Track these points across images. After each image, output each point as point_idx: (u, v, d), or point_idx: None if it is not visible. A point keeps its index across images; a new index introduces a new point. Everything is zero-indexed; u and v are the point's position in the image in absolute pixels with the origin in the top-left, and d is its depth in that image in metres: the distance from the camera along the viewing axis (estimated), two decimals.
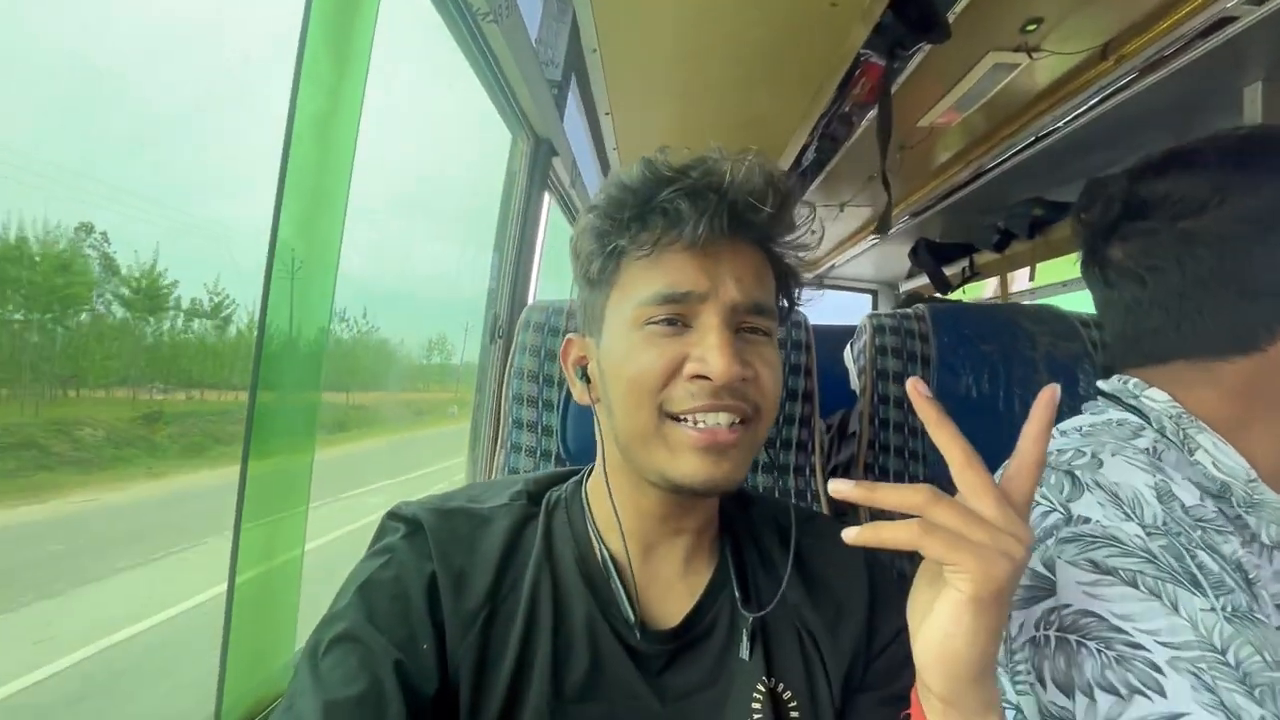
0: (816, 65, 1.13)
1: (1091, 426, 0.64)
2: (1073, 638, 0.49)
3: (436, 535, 0.57)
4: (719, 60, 1.15)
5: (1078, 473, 0.57)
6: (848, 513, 1.04)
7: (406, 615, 0.53)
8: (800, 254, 0.61)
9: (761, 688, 0.57)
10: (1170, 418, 0.60)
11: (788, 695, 0.58)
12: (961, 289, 2.40)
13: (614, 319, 0.58)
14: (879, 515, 0.96)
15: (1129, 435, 0.60)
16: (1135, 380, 0.63)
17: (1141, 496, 0.54)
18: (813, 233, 0.61)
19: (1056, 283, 2.33)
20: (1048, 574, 0.52)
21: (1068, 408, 0.97)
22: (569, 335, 0.65)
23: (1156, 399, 0.61)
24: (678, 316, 0.55)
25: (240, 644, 0.64)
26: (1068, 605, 0.50)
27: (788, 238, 0.59)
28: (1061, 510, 0.55)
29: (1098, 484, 0.55)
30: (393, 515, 0.60)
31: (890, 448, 0.99)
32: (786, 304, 0.65)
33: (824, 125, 1.74)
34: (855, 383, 1.08)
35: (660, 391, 0.54)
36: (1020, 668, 0.54)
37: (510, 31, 0.93)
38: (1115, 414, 0.64)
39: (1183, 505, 0.54)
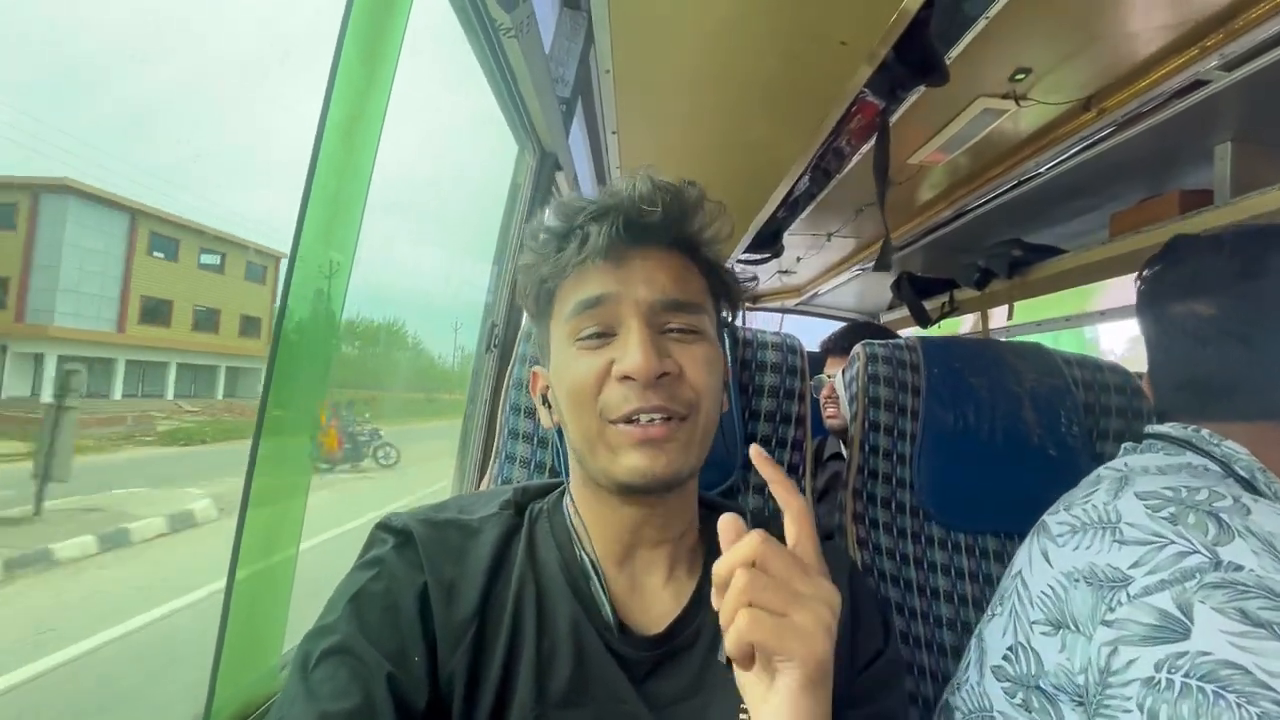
0: (820, 99, 1.17)
1: (1182, 464, 0.65)
2: (1210, 687, 0.47)
3: (427, 547, 0.58)
4: (726, 87, 1.18)
5: (1223, 516, 0.55)
6: (833, 534, 1.06)
7: (398, 627, 0.54)
8: (715, 248, 0.65)
9: None
10: (1260, 469, 0.61)
11: None
12: (939, 324, 2.47)
13: (555, 343, 0.62)
14: (864, 538, 0.99)
15: (1217, 481, 0.61)
16: (1209, 430, 0.65)
17: None
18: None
19: (1031, 322, 2.42)
20: (1181, 617, 0.51)
21: (1050, 441, 1.02)
22: (535, 369, 0.69)
23: (1239, 451, 0.63)
24: (603, 328, 0.58)
25: (234, 644, 0.63)
26: (1206, 654, 0.48)
27: (696, 235, 0.63)
28: (1206, 553, 0.53)
29: (1250, 531, 0.54)
30: (383, 526, 0.61)
31: (879, 473, 1.01)
32: (727, 303, 0.68)
33: (818, 158, 1.79)
34: (847, 409, 1.11)
35: (597, 398, 0.57)
36: (1113, 702, 0.52)
37: (528, 47, 0.94)
38: (1193, 458, 0.65)
39: None
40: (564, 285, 0.61)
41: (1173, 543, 0.55)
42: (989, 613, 0.73)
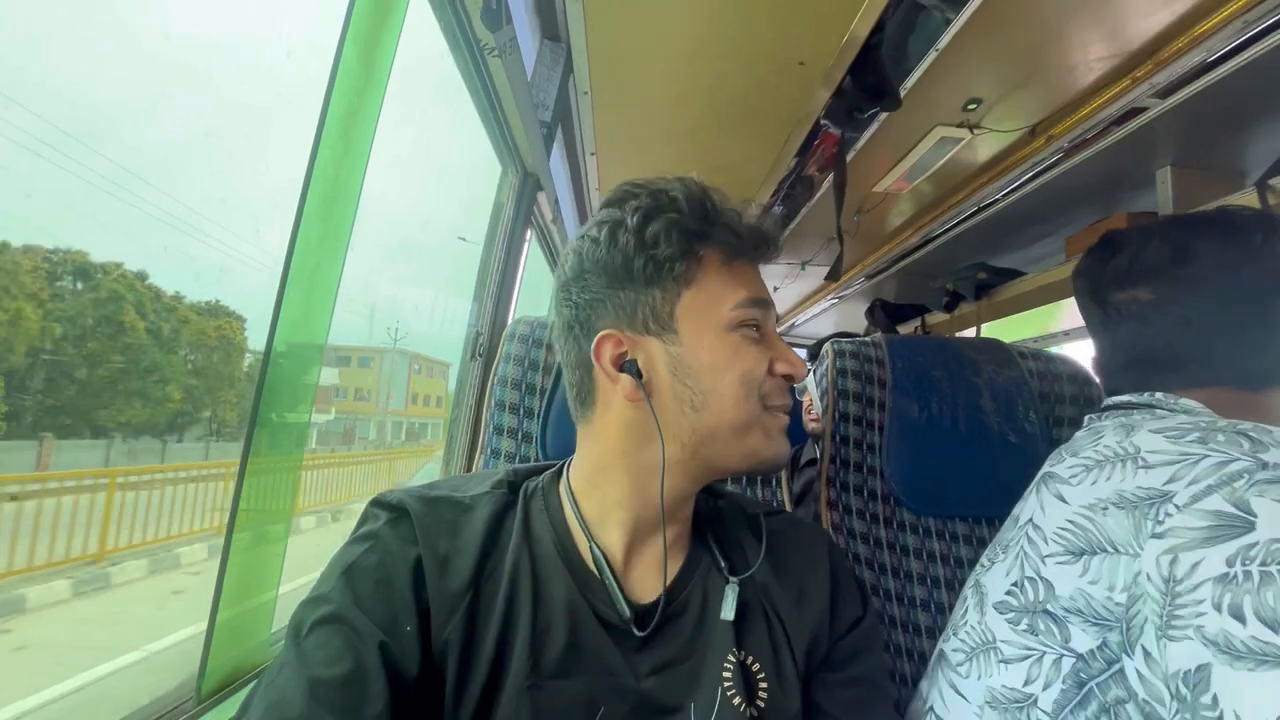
0: (783, 119, 1.26)
1: (1158, 416, 0.68)
2: None
3: (421, 521, 0.59)
4: (697, 108, 1.27)
5: (1250, 433, 0.57)
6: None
7: (390, 599, 0.54)
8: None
9: (732, 658, 0.60)
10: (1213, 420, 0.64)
11: (756, 667, 0.61)
12: None
13: (696, 320, 0.61)
14: (839, 524, 1.01)
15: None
16: (1162, 394, 0.70)
17: None
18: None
19: None
20: (1239, 513, 0.51)
21: (1010, 428, 1.07)
22: (602, 333, 0.62)
23: (1193, 406, 0.67)
24: (760, 324, 0.63)
25: (227, 612, 0.64)
26: (1277, 540, 0.49)
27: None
28: (1249, 458, 0.55)
29: (1276, 441, 0.56)
30: (377, 503, 0.62)
31: (850, 462, 1.05)
32: None
33: (788, 186, 1.88)
34: (818, 404, 1.15)
35: (761, 386, 0.62)
36: (1185, 610, 0.52)
37: (511, 68, 1.01)
38: (1163, 413, 0.68)
39: None
40: (720, 268, 0.63)
41: (1208, 455, 0.56)
42: (984, 563, 0.74)
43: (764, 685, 0.61)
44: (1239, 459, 0.54)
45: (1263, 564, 0.48)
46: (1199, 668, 0.49)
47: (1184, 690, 0.50)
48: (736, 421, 0.61)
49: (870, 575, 0.97)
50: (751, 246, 0.64)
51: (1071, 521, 0.62)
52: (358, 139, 0.79)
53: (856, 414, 1.07)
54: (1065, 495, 0.65)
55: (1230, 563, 0.50)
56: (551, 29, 1.20)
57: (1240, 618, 0.48)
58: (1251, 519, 0.50)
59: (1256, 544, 0.49)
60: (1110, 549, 0.58)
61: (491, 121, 1.17)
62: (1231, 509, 0.52)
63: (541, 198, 1.37)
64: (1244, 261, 0.67)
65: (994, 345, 1.17)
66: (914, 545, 1.00)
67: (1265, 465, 0.53)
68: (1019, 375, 1.10)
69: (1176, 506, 0.55)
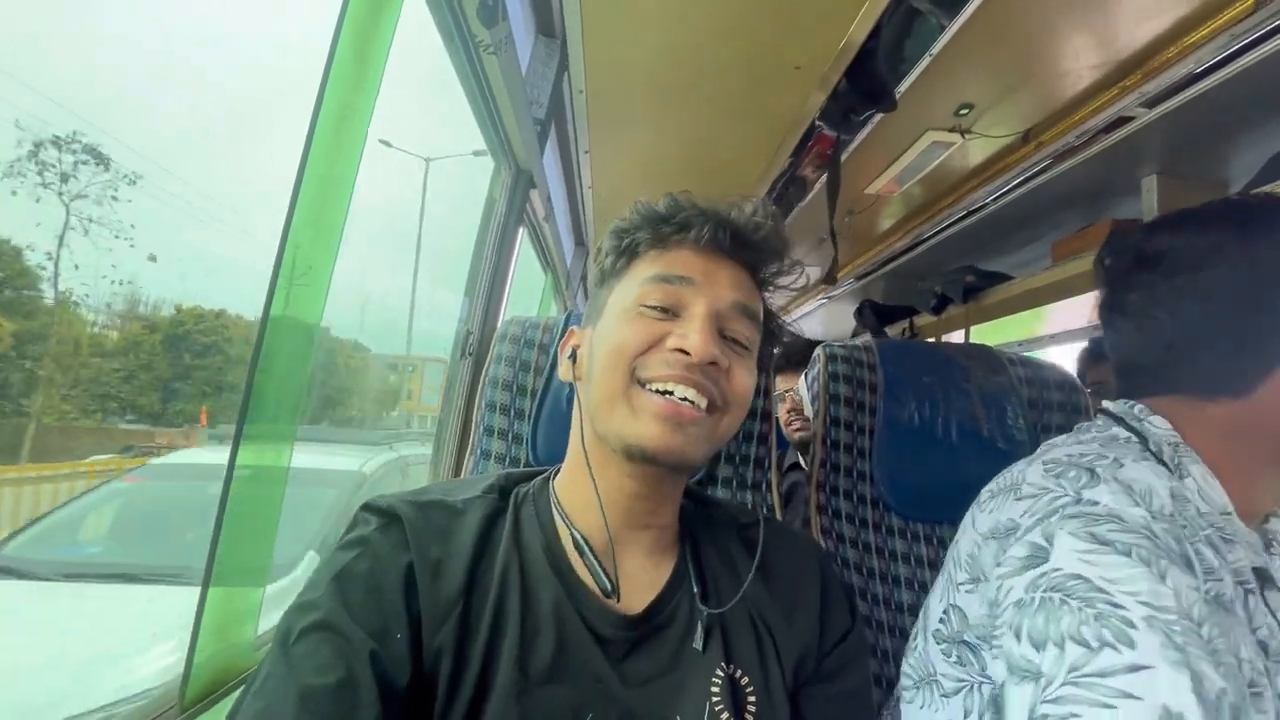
0: (778, 122, 1.25)
1: (1105, 437, 0.69)
2: (1056, 596, 0.52)
3: (413, 526, 0.58)
4: (693, 107, 1.26)
5: (1097, 469, 0.61)
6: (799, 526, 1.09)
7: (381, 607, 0.54)
8: (784, 286, 0.68)
9: (720, 673, 0.60)
10: (1169, 444, 0.65)
11: (745, 681, 0.61)
12: None
13: (613, 306, 0.64)
14: (828, 528, 1.02)
15: (1137, 453, 0.65)
16: (1141, 406, 0.69)
17: (1154, 490, 0.58)
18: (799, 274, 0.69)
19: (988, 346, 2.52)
20: (1045, 544, 0.56)
21: (999, 435, 1.08)
22: (572, 328, 0.71)
23: (1158, 425, 0.66)
24: (670, 305, 0.60)
25: (212, 617, 0.63)
26: (1058, 569, 0.53)
27: (776, 275, 0.67)
28: (1072, 494, 0.59)
29: (1115, 478, 0.59)
30: (367, 508, 0.61)
31: (840, 466, 1.05)
32: (765, 347, 0.70)
33: (781, 186, 1.89)
34: (809, 408, 1.15)
35: (635, 358, 0.59)
36: (998, 632, 0.56)
37: (505, 66, 1.00)
38: (1120, 431, 0.69)
39: (1198, 510, 0.60)
40: (650, 254, 0.64)
41: (1050, 491, 0.61)
42: (932, 586, 0.76)
43: (752, 700, 0.60)
44: (1064, 495, 0.59)
45: (1044, 590, 0.53)
46: (1001, 684, 0.54)
47: (999, 704, 0.55)
48: (602, 396, 0.60)
49: (859, 580, 0.98)
50: (684, 228, 0.62)
51: (972, 550, 0.66)
52: (351, 134, 0.78)
53: (848, 419, 1.07)
54: (976, 521, 0.69)
55: (1026, 589, 0.55)
56: (547, 25, 1.19)
57: (1018, 637, 0.53)
58: (1049, 549, 0.55)
59: (1044, 573, 0.54)
60: (984, 577, 0.62)
61: (484, 117, 1.15)
62: (1042, 541, 0.56)
63: (534, 195, 1.36)
64: (1199, 265, 0.65)
65: (984, 352, 1.18)
66: (902, 549, 1.01)
67: (1079, 500, 0.58)
68: (1008, 382, 1.12)
69: (1016, 539, 0.59)
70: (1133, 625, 0.47)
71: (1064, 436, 0.75)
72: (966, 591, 0.65)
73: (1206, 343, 0.64)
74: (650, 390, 0.58)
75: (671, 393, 0.57)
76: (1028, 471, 0.67)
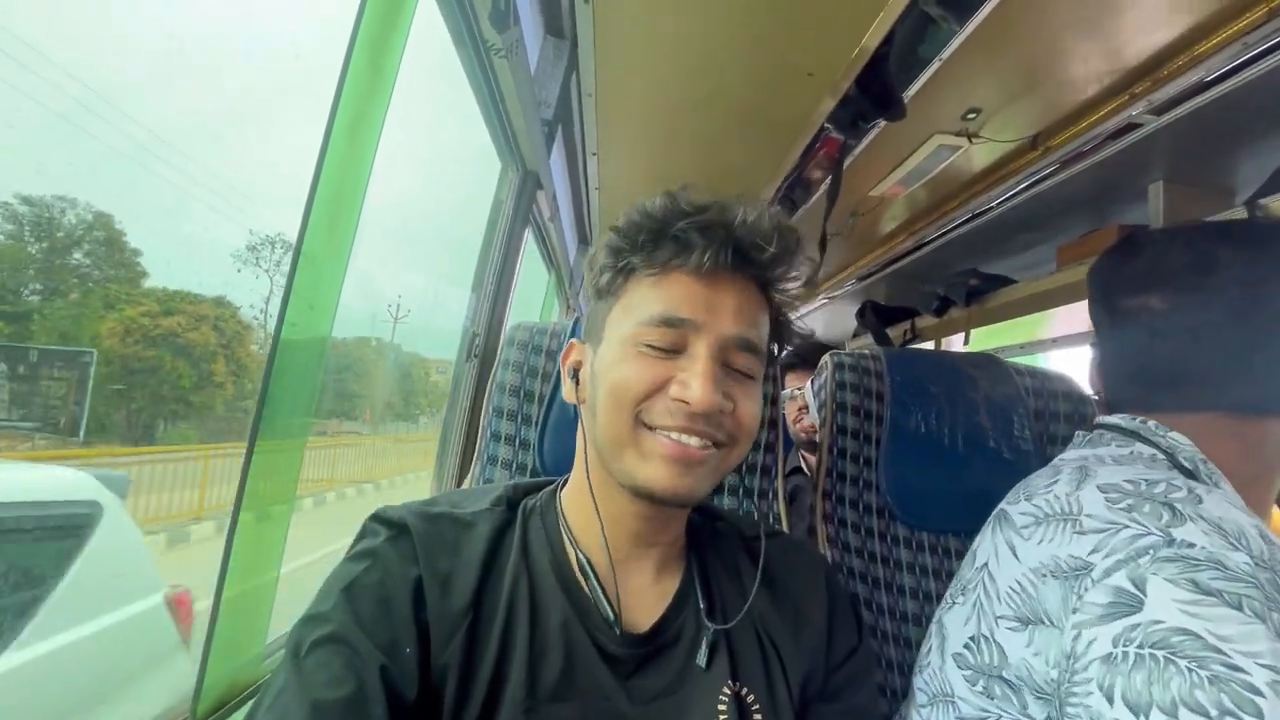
0: (787, 127, 1.25)
1: (1128, 458, 0.65)
2: (1161, 654, 0.46)
3: (422, 539, 0.58)
4: (702, 113, 1.25)
5: (1177, 505, 0.56)
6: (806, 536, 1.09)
7: (391, 620, 0.54)
8: (792, 289, 0.65)
9: (727, 691, 0.60)
10: (1201, 460, 0.62)
11: (751, 699, 0.61)
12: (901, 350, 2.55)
13: (613, 331, 0.62)
14: (834, 537, 1.02)
15: (1169, 472, 0.61)
16: (1155, 422, 0.66)
17: (1246, 532, 0.54)
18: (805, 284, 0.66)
19: (988, 349, 2.52)
20: (1136, 591, 0.51)
21: (1005, 445, 1.08)
22: (572, 340, 0.69)
23: (1182, 441, 0.63)
24: (673, 346, 0.58)
25: (223, 632, 0.63)
26: (1159, 622, 0.48)
27: (787, 284, 0.64)
28: (1160, 534, 0.54)
29: (1201, 516, 0.54)
30: (377, 519, 0.60)
31: (846, 475, 1.06)
32: (775, 349, 0.68)
33: (786, 187, 1.88)
34: (816, 416, 1.15)
35: (640, 403, 0.57)
36: (1079, 688, 0.51)
37: (516, 68, 1.00)
38: (1142, 448, 0.66)
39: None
40: (647, 279, 0.61)
41: (1128, 527, 0.55)
42: (948, 600, 0.74)
43: (759, 718, 0.60)
44: (1151, 534, 0.54)
45: (1140, 646, 0.48)
46: None
47: None
48: (609, 436, 0.59)
49: (864, 589, 0.98)
50: (684, 250, 0.58)
51: (1020, 584, 0.61)
52: (364, 139, 0.78)
53: (854, 427, 1.07)
54: (1017, 549, 0.64)
55: (1115, 643, 0.50)
56: (556, 26, 1.18)
57: (1110, 699, 0.48)
58: (1143, 598, 0.50)
59: (1139, 625, 0.49)
60: (1047, 621, 0.58)
61: (493, 118, 1.14)
62: (1130, 587, 0.51)
63: (541, 197, 1.35)
64: (1269, 278, 0.63)
65: (991, 361, 1.18)
66: (907, 559, 1.01)
67: (1172, 542, 0.53)
68: (1014, 392, 1.12)
69: (1092, 581, 0.55)
70: (1259, 693, 0.43)
71: (1086, 449, 0.71)
72: (1009, 629, 0.61)
73: (1270, 359, 0.61)
74: (657, 434, 0.57)
75: (679, 439, 0.57)
76: (1082, 499, 0.61)
